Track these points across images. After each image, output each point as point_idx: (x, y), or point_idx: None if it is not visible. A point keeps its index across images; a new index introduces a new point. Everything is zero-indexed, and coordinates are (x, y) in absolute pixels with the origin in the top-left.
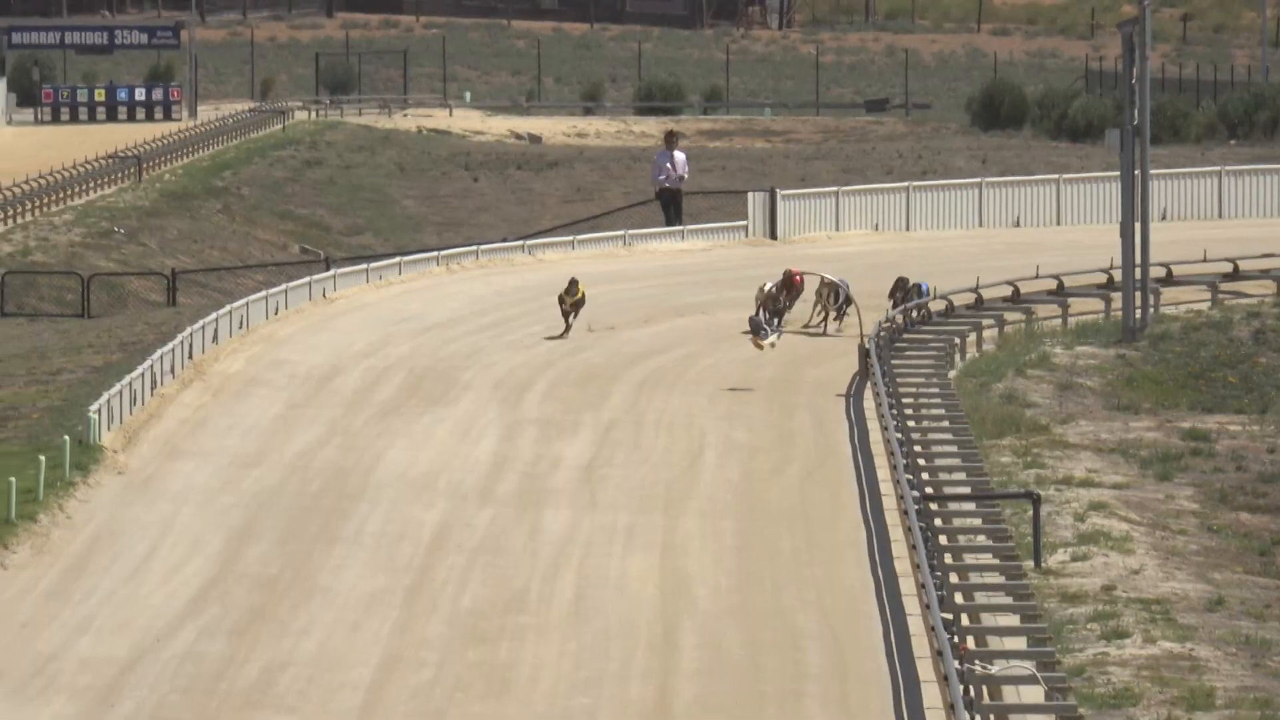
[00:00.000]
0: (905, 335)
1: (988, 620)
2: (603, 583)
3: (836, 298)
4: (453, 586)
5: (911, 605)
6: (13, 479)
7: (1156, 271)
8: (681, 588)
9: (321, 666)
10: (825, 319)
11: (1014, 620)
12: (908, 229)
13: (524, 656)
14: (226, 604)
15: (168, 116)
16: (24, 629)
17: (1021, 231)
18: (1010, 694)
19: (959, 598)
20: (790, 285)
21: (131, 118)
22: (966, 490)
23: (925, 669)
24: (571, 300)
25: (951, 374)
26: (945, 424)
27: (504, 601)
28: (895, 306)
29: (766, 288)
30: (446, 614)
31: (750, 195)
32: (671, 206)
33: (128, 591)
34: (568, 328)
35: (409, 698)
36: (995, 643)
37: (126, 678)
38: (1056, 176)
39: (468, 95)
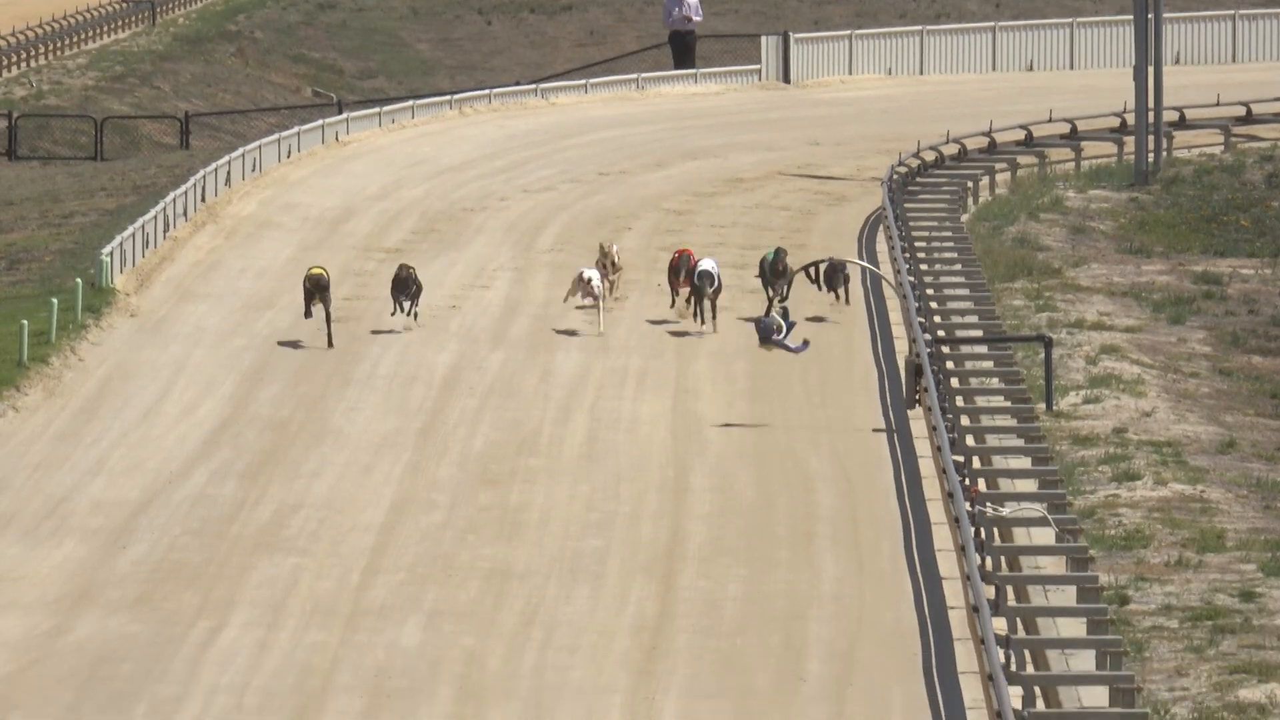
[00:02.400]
0: (918, 179)
1: (999, 463)
2: (614, 425)
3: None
4: (464, 429)
5: (923, 448)
6: (24, 321)
7: (1169, 115)
8: (693, 430)
9: (333, 509)
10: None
11: (1025, 463)
12: (921, 73)
13: (535, 499)
14: (238, 446)
15: None
16: (36, 471)
17: (1035, 75)
18: (1021, 536)
19: (970, 440)
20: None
21: None
22: (978, 333)
23: (936, 511)
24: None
25: (964, 217)
26: (957, 267)
27: (515, 444)
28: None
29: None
30: (457, 456)
31: (763, 39)
32: (684, 50)
33: (139, 434)
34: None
35: (419, 540)
36: (1006, 485)
37: (138, 519)
38: (1070, 20)
39: None
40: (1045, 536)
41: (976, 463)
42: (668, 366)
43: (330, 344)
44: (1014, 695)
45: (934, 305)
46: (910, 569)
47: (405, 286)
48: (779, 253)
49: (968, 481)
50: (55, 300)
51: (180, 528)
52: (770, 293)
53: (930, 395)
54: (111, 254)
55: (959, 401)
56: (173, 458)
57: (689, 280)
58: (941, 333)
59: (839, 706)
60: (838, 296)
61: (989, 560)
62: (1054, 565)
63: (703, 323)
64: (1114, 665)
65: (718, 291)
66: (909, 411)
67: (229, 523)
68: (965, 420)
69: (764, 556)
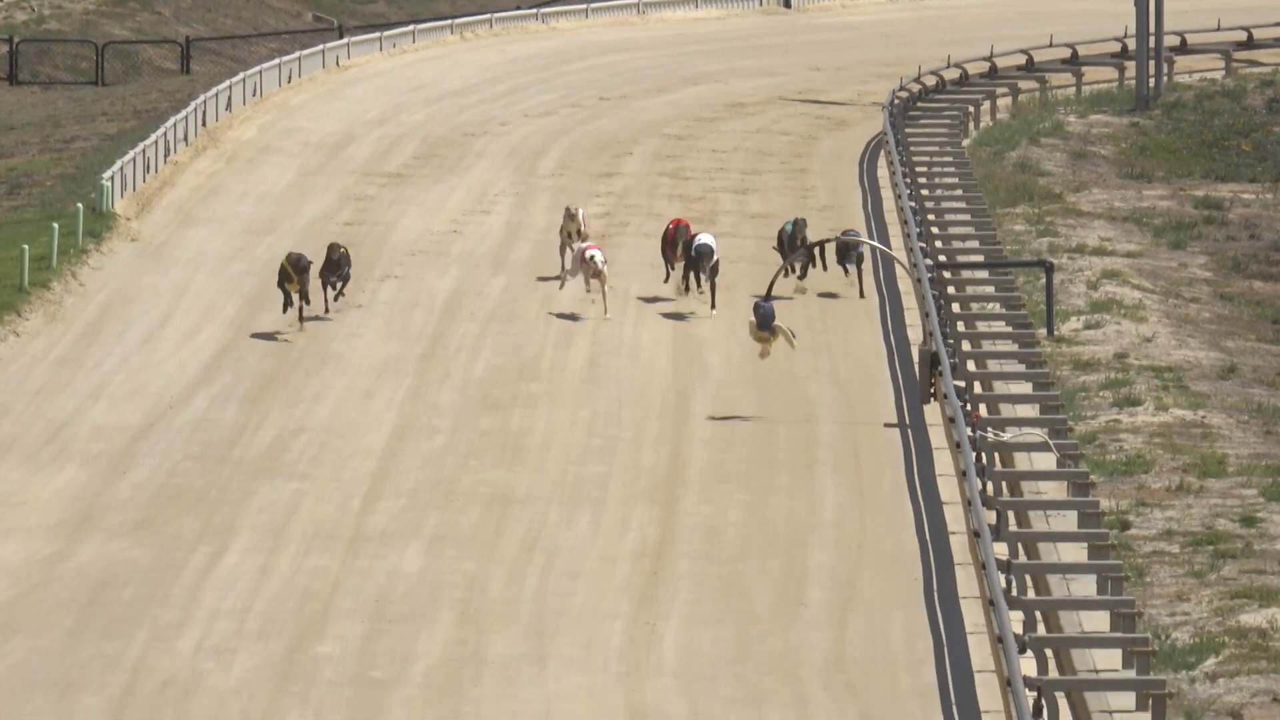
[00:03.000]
0: (919, 104)
1: (1000, 388)
2: (615, 351)
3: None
4: (465, 354)
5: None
6: (25, 246)
7: (1170, 40)
8: (694, 356)
9: (334, 434)
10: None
11: (1026, 388)
12: None
13: (536, 424)
14: (239, 371)
15: None
16: (37, 396)
17: (1035, 0)
18: (1022, 460)
19: (971, 365)
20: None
21: None
22: (979, 258)
23: (938, 436)
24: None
25: (965, 142)
26: (959, 192)
27: (516, 369)
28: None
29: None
30: (459, 381)
31: None
32: None
33: (140, 358)
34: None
35: (420, 465)
36: (1008, 410)
37: (139, 444)
38: None
39: None
40: (1046, 462)
41: (978, 388)
42: (668, 290)
43: (301, 326)
44: (1015, 620)
45: (935, 230)
46: (911, 495)
47: (337, 268)
48: (799, 224)
49: (969, 407)
50: (56, 225)
51: (181, 453)
52: (787, 265)
53: (931, 319)
54: (112, 179)
55: (960, 326)
56: (173, 382)
57: (685, 254)
58: (943, 257)
59: (839, 632)
60: (846, 272)
61: (990, 485)
62: (1055, 490)
63: (701, 292)
64: (1115, 590)
65: (715, 269)
66: (924, 406)
67: (230, 448)
68: (966, 345)
69: (765, 483)
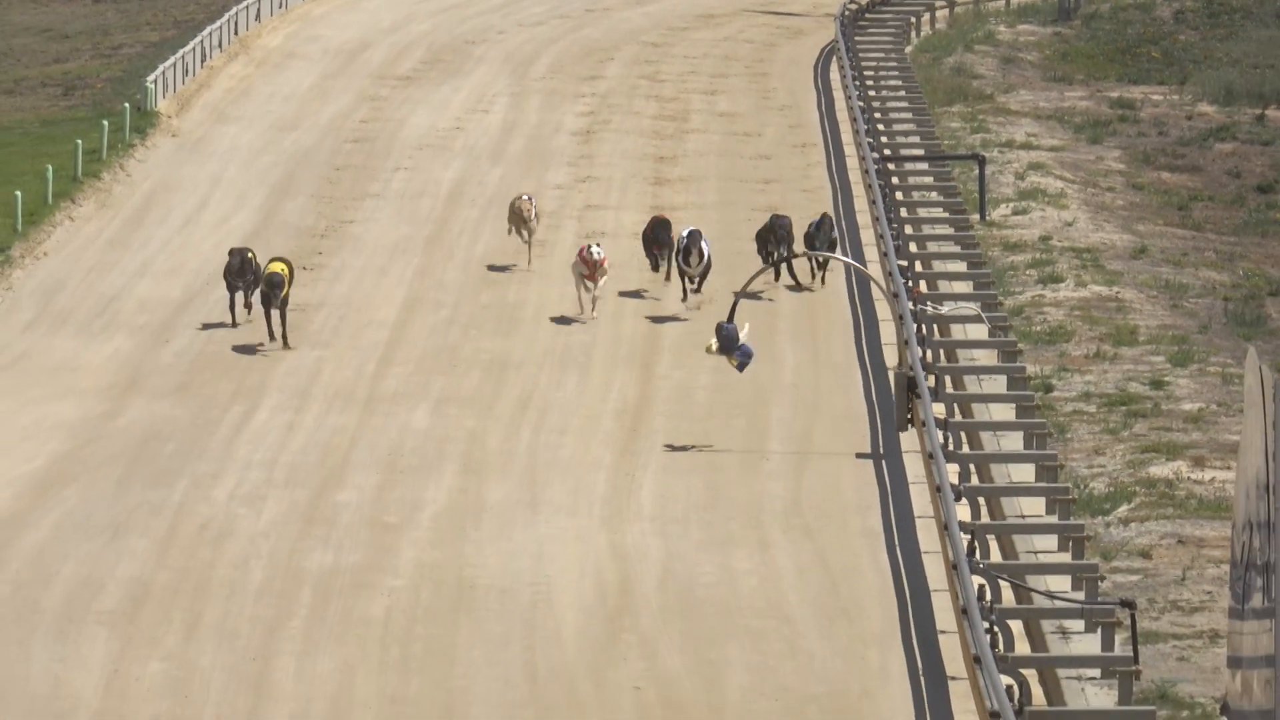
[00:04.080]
0: (867, 15)
1: (938, 266)
2: (600, 232)
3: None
4: (467, 237)
5: (871, 254)
6: (79, 141)
7: None
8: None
9: (352, 307)
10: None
11: (961, 267)
12: None
13: (529, 298)
14: (268, 251)
15: None
16: (89, 274)
17: None
18: (958, 331)
19: (913, 247)
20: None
21: None
22: (920, 151)
23: (883, 309)
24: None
25: (907, 49)
26: (901, 93)
27: (512, 249)
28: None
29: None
30: (461, 260)
31: None
32: None
33: (180, 240)
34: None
35: (428, 334)
36: (945, 286)
37: (179, 316)
38: None
39: None
40: (979, 332)
41: (918, 267)
42: (644, 182)
43: (286, 342)
44: (951, 471)
45: (881, 127)
46: (860, 361)
47: (242, 274)
48: (776, 220)
49: (910, 283)
50: (106, 122)
51: (217, 323)
52: (766, 259)
53: (878, 206)
54: (155, 81)
55: (903, 213)
56: (210, 261)
57: (665, 247)
58: (888, 150)
59: (797, 481)
60: (818, 266)
61: (929, 353)
62: (987, 357)
63: (684, 298)
64: (1039, 445)
65: (707, 268)
66: (900, 433)
67: (260, 318)
68: (908, 229)
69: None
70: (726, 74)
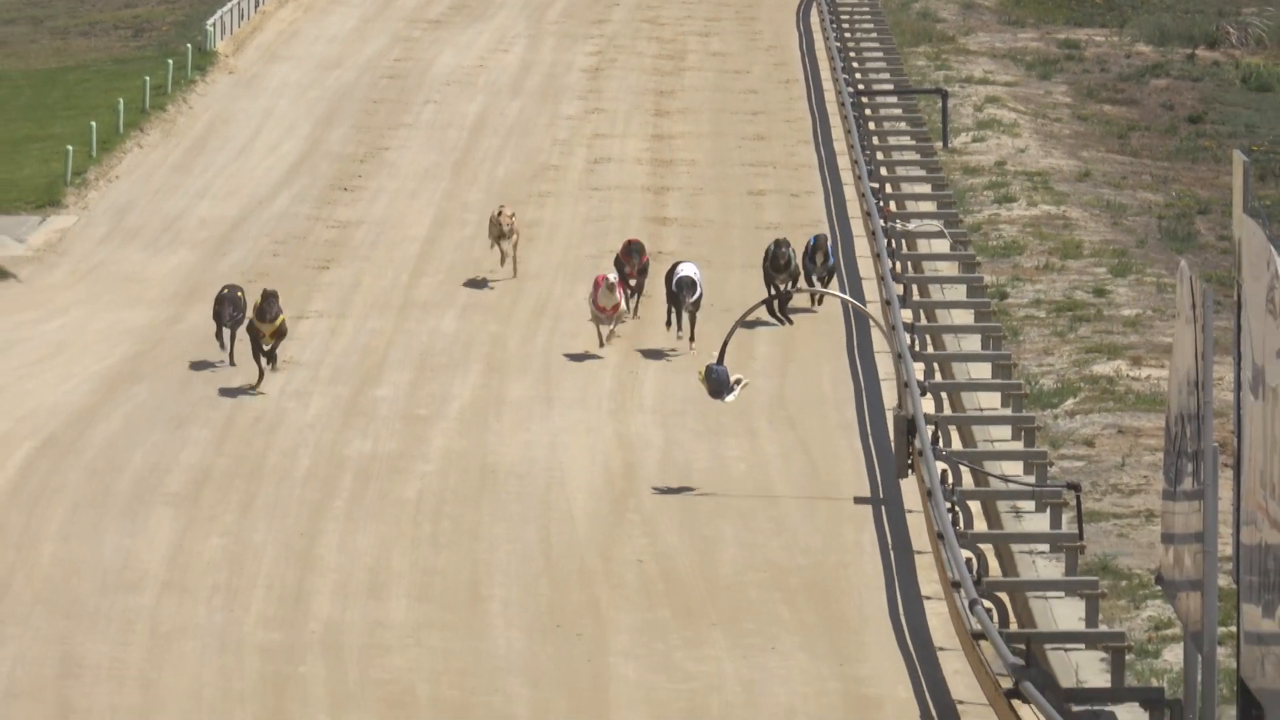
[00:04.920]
0: None
1: (906, 188)
2: (607, 159)
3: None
4: (489, 162)
5: (847, 178)
6: (147, 78)
7: None
8: (667, 163)
9: (387, 225)
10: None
11: (926, 189)
12: None
13: (545, 216)
14: (313, 175)
15: None
16: (156, 195)
17: None
18: (924, 246)
19: (884, 171)
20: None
21: None
22: (890, 86)
23: (857, 227)
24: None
25: None
26: (874, 35)
27: (530, 173)
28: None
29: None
30: (484, 183)
31: None
32: None
33: (237, 165)
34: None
35: (454, 249)
36: (912, 206)
37: (235, 232)
38: None
39: None
40: (942, 246)
41: (889, 188)
42: (646, 113)
43: (262, 377)
44: (917, 369)
45: (855, 65)
46: (838, 273)
47: (232, 305)
48: (779, 244)
49: (882, 203)
50: (170, 61)
51: (268, 239)
52: (770, 290)
53: (853, 135)
54: (214, 25)
55: (874, 141)
56: (262, 184)
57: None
58: (861, 86)
59: (781, 379)
60: (812, 282)
61: (899, 265)
62: (949, 268)
63: (679, 331)
64: (995, 346)
65: (698, 303)
66: (900, 479)
67: (306, 236)
68: (880, 155)
69: (723, 253)
70: (719, 18)
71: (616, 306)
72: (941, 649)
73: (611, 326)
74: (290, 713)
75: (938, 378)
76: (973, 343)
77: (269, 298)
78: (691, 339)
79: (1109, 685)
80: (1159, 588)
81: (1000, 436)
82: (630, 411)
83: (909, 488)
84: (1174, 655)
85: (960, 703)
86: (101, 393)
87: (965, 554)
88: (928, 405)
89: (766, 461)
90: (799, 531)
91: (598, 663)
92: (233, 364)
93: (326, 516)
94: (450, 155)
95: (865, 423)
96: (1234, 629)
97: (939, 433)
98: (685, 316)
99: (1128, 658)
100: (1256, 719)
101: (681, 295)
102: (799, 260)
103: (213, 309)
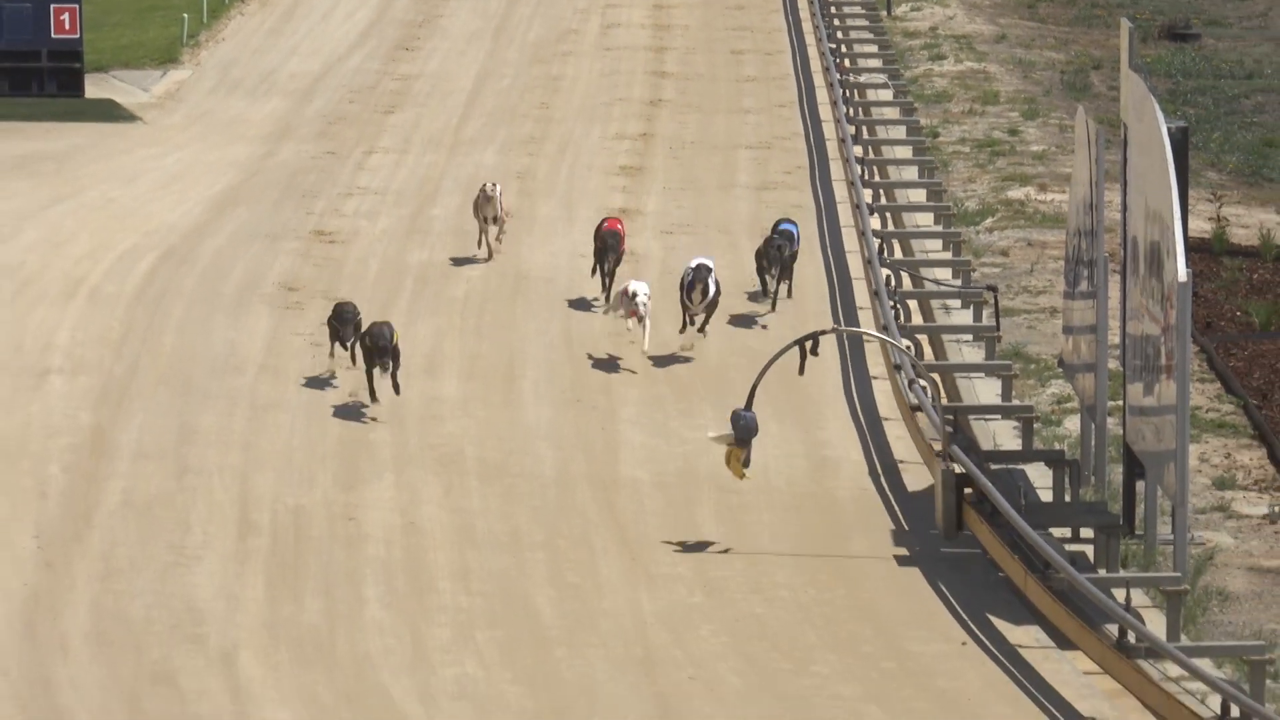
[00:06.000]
0: None
1: (858, 48)
2: (617, 24)
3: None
4: (523, 26)
5: (810, 40)
6: None
7: None
8: (665, 28)
9: (440, 79)
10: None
11: (874, 49)
12: None
13: (568, 71)
14: (381, 38)
15: None
16: (254, 54)
17: None
18: (873, 95)
19: (840, 34)
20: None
21: None
22: None
23: (819, 79)
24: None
25: None
26: None
27: (555, 35)
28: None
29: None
30: (519, 44)
31: None
32: None
33: (320, 30)
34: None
35: (494, 97)
36: (863, 62)
37: (318, 84)
38: None
39: None
40: (886, 95)
41: (844, 49)
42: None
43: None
44: (866, 194)
45: None
46: (802, 116)
47: (353, 328)
48: (782, 234)
49: (839, 60)
50: None
51: (345, 90)
52: (767, 282)
53: (814, 5)
54: None
55: (832, 10)
56: (340, 45)
57: (616, 262)
58: None
59: (758, 204)
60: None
61: (851, 110)
62: (891, 112)
63: (688, 329)
64: (929, 175)
65: (712, 305)
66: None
67: (375, 87)
68: (836, 23)
69: (711, 108)
70: None
71: (634, 312)
72: (886, 419)
73: (643, 328)
74: (363, 470)
75: (883, 201)
76: (911, 172)
77: (383, 328)
78: (702, 329)
79: (1020, 448)
80: (1060, 370)
81: (933, 248)
82: (635, 228)
83: (860, 290)
84: (1072, 424)
85: (901, 462)
86: (210, 213)
87: (905, 342)
88: (875, 223)
89: (746, 263)
90: (771, 317)
91: (609, 429)
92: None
93: (393, 311)
94: (491, 22)
95: (824, 236)
96: (1121, 403)
97: (884, 245)
98: (698, 316)
99: (1035, 426)
100: (1139, 475)
101: (693, 298)
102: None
103: (329, 321)
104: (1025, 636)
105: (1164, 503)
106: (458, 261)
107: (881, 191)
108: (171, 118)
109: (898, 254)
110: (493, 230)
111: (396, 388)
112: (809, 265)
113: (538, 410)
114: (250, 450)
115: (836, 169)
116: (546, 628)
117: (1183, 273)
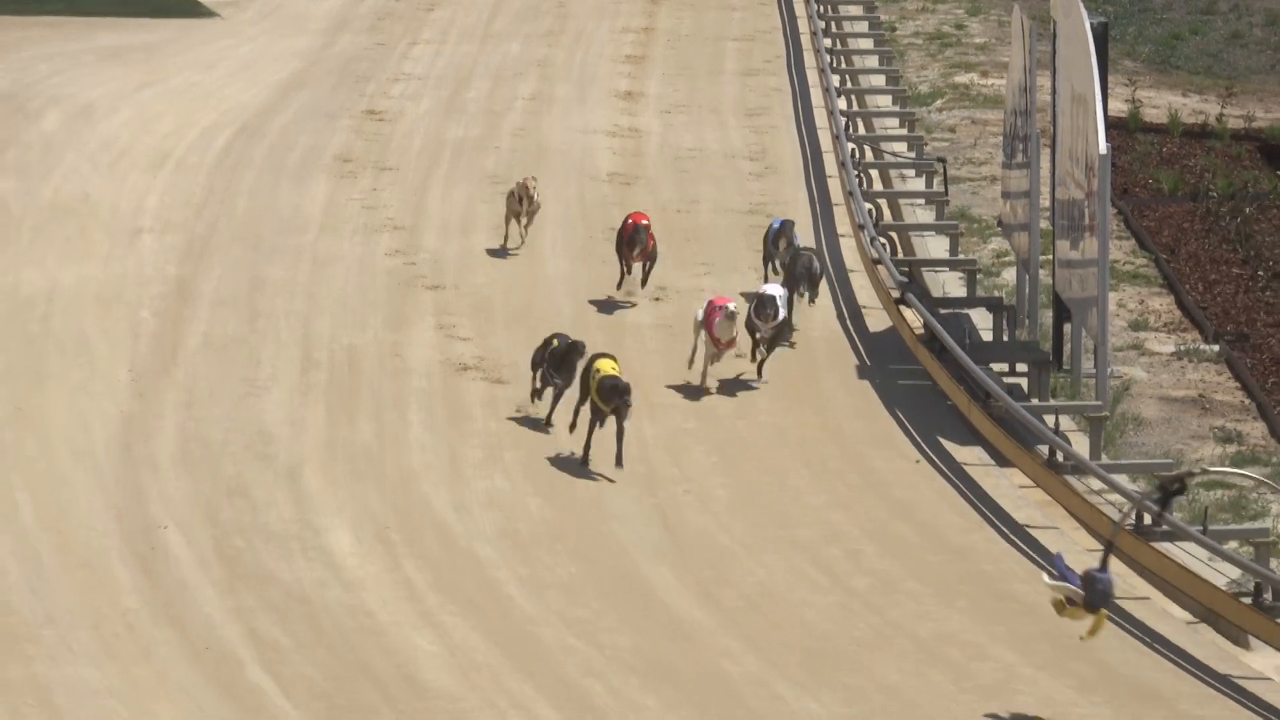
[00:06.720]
0: None
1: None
2: None
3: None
4: None
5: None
6: None
7: None
8: None
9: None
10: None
11: None
12: None
13: (568, 27)
14: None
15: None
16: None
17: None
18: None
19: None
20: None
21: None
22: None
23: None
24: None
25: None
26: None
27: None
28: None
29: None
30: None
31: None
32: None
33: None
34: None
35: (520, 5)
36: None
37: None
38: None
39: None
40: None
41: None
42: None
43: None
44: (835, 78)
45: None
46: (780, 12)
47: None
48: (785, 224)
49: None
50: None
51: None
52: (770, 267)
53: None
54: None
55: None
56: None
57: (643, 255)
58: None
59: (742, 88)
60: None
61: (821, 7)
62: (855, 9)
63: (755, 361)
64: (888, 63)
65: (779, 332)
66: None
67: (413, 8)
68: None
69: (702, 5)
70: None
71: (733, 342)
72: (851, 270)
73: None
74: (409, 314)
75: (849, 85)
76: (873, 60)
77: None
78: (760, 371)
79: (965, 295)
80: (1000, 229)
81: (891, 125)
82: (639, 109)
83: (829, 161)
84: (1009, 275)
85: (864, 307)
86: (278, 95)
87: (867, 206)
88: (842, 103)
89: (732, 142)
90: (754, 189)
91: (616, 279)
92: (549, 425)
93: (433, 179)
94: None
95: (799, 116)
96: (1051, 257)
97: (849, 123)
98: (763, 348)
99: (978, 277)
100: (1066, 318)
101: (760, 325)
102: (765, 245)
103: (534, 357)
104: (969, 455)
105: (1087, 342)
106: (488, 136)
107: (847, 77)
108: (245, 14)
109: (861, 131)
110: (523, 220)
111: (619, 458)
112: (786, 144)
113: (555, 263)
114: (311, 298)
115: (810, 58)
116: (562, 448)
117: (1103, 146)
